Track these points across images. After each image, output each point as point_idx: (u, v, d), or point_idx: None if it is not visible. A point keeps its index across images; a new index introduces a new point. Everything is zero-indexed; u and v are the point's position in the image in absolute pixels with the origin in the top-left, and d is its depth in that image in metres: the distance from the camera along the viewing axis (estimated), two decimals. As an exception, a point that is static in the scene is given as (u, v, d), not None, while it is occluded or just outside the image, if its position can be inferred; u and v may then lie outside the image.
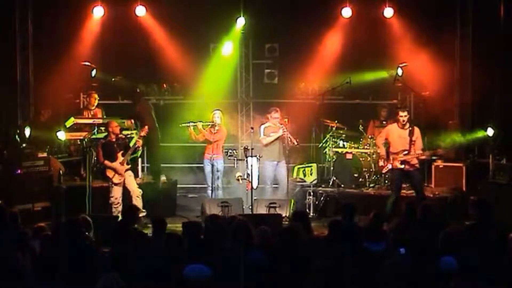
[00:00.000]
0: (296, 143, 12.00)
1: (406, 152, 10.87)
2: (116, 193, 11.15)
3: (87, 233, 7.49)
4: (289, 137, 11.92)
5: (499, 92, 13.32)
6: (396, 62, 13.78)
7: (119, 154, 11.21)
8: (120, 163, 11.19)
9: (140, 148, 11.70)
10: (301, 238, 6.48)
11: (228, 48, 14.04)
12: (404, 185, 11.69)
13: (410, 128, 10.90)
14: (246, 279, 5.75)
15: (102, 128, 12.29)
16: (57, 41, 13.67)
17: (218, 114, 12.05)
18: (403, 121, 10.91)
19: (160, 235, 7.29)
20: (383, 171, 11.40)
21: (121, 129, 12.26)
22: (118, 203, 11.08)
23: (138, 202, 11.00)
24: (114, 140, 11.29)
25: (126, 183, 11.23)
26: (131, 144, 11.58)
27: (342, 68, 13.81)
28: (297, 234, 6.47)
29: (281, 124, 11.97)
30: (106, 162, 11.21)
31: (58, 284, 5.33)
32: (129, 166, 11.33)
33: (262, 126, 12.22)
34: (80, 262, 5.74)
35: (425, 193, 11.38)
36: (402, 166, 10.87)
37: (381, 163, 11.34)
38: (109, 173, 11.23)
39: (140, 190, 11.27)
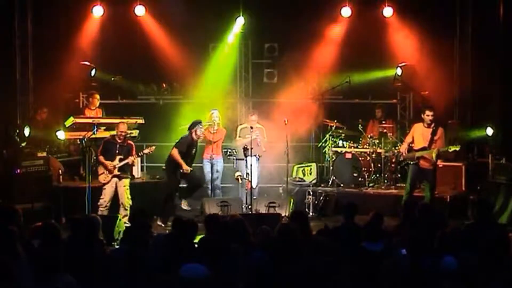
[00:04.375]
0: (263, 151, 12.08)
1: (424, 148, 10.80)
2: (105, 195, 10.96)
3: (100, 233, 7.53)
4: (259, 143, 11.92)
5: (498, 91, 13.32)
6: (396, 61, 13.81)
7: (117, 157, 11.07)
8: (113, 165, 11.03)
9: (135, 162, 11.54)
10: (296, 236, 6.46)
11: (232, 38, 14.12)
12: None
13: (434, 128, 10.80)
14: (247, 279, 5.75)
15: (102, 128, 12.28)
16: (56, 41, 13.68)
17: (216, 113, 12.04)
18: (430, 120, 10.78)
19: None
20: (402, 157, 11.37)
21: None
22: (106, 206, 10.89)
23: (121, 211, 10.83)
24: (119, 141, 11.15)
25: (118, 191, 11.03)
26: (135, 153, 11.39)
27: (342, 68, 13.83)
28: (292, 233, 6.43)
29: (258, 128, 11.96)
30: (101, 157, 11.09)
31: (58, 284, 5.33)
32: (119, 173, 11.06)
33: (239, 127, 12.38)
34: (93, 262, 5.75)
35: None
36: (417, 161, 10.84)
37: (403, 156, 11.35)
38: (100, 170, 11.12)
39: (130, 202, 11.01)
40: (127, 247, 6.45)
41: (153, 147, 11.54)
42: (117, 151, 11.11)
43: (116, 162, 11.05)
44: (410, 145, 11.02)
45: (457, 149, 10.94)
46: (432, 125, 10.85)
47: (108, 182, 11.00)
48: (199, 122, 11.43)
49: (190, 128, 11.35)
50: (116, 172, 11.04)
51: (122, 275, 5.82)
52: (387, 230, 7.39)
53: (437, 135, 10.79)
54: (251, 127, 11.85)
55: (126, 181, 11.14)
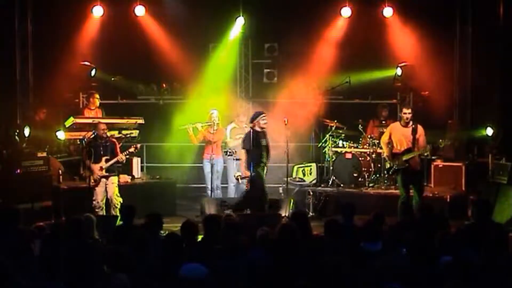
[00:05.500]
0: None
1: (409, 150, 10.71)
2: (97, 196, 10.93)
3: (95, 232, 7.53)
4: None
5: (498, 91, 13.33)
6: (396, 61, 13.81)
7: (103, 158, 11.00)
8: (100, 166, 10.98)
9: (124, 160, 11.42)
10: (296, 236, 6.48)
11: (234, 34, 14.14)
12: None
13: (413, 126, 10.70)
14: (247, 279, 5.76)
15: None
16: (56, 41, 13.68)
17: (216, 113, 12.04)
18: (407, 118, 10.69)
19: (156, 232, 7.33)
20: (390, 172, 11.24)
21: (121, 129, 12.25)
22: (100, 207, 10.88)
23: (115, 211, 10.83)
24: (102, 142, 11.09)
25: (108, 190, 10.99)
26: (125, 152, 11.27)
27: (342, 68, 13.82)
28: (291, 233, 6.46)
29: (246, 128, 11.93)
30: (88, 161, 10.99)
31: (58, 284, 5.32)
32: (107, 174, 11.01)
33: (229, 128, 12.26)
34: (81, 261, 5.73)
35: (425, 194, 11.26)
36: (407, 165, 10.75)
37: (387, 165, 11.20)
38: (85, 173, 11.05)
39: (120, 200, 10.96)
40: (126, 247, 6.44)
41: (138, 145, 11.46)
42: (101, 152, 11.04)
43: (103, 164, 11.00)
44: (390, 147, 10.96)
45: (448, 143, 10.89)
46: (410, 123, 10.73)
47: (97, 184, 10.97)
48: (261, 113, 10.97)
49: (252, 120, 10.91)
50: (104, 173, 10.99)
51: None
52: (386, 230, 7.38)
53: (418, 133, 10.67)
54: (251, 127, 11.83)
55: (114, 179, 11.11)
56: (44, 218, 10.25)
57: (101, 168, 10.96)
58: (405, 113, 10.77)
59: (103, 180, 11.00)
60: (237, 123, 12.31)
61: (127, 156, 11.30)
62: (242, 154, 11.21)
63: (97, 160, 11.00)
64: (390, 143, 10.96)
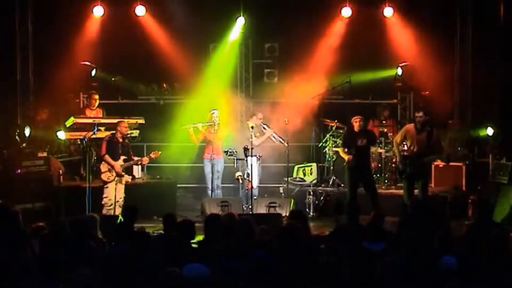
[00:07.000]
0: (286, 145, 12.06)
1: (422, 154, 10.66)
2: (110, 194, 11.03)
3: (99, 232, 7.54)
4: (280, 139, 12.02)
5: (498, 91, 13.33)
6: (396, 61, 13.81)
7: (122, 157, 11.13)
8: (120, 165, 11.11)
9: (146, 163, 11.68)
10: (300, 236, 6.49)
11: (235, 34, 14.14)
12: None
13: (429, 130, 10.65)
14: (248, 278, 5.76)
15: (102, 128, 12.27)
16: (57, 41, 13.68)
17: (216, 113, 12.04)
18: (418, 121, 10.67)
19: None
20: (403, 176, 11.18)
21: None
22: (112, 204, 10.97)
23: (117, 209, 10.92)
24: (120, 140, 11.21)
25: (117, 188, 11.09)
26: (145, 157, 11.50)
27: (342, 68, 13.81)
28: (295, 232, 6.47)
29: (264, 124, 12.04)
30: (107, 157, 11.11)
31: (57, 284, 5.33)
32: (124, 173, 11.19)
33: (249, 126, 12.15)
34: (85, 261, 5.74)
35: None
36: (415, 168, 10.69)
37: (400, 166, 11.13)
38: (103, 168, 11.13)
39: (122, 200, 11.09)
40: (126, 247, 6.44)
41: (159, 152, 11.53)
42: (120, 151, 11.17)
43: (121, 162, 11.14)
44: (403, 148, 10.95)
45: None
46: (425, 127, 10.69)
47: (111, 181, 11.07)
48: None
49: (351, 119, 11.22)
50: (121, 172, 11.12)
51: (121, 274, 5.83)
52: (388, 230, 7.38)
53: (433, 138, 10.66)
54: (252, 127, 11.80)
55: (124, 179, 11.23)
56: (44, 218, 10.23)
57: (120, 166, 11.10)
58: (416, 117, 10.83)
59: (117, 178, 11.13)
60: (254, 121, 12.20)
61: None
62: (242, 154, 11.28)
63: (116, 158, 11.12)
64: (401, 144, 10.97)
